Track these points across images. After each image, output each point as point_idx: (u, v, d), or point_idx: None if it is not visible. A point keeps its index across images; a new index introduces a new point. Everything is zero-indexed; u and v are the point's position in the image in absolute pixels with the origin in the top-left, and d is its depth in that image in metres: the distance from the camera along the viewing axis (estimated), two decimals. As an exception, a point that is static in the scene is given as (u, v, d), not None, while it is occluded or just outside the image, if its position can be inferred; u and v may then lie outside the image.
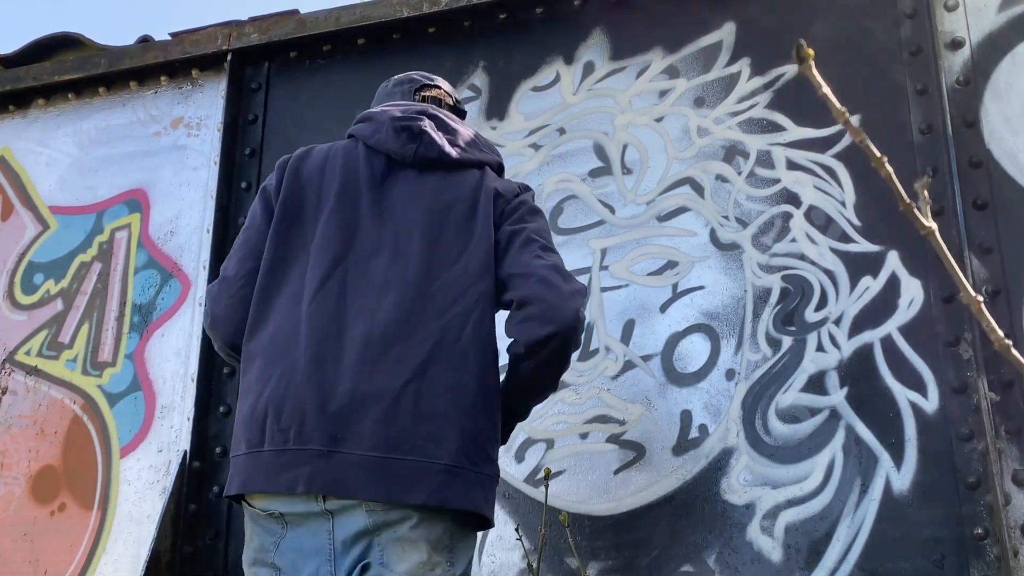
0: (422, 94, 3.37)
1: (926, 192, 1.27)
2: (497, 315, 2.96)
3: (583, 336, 3.06)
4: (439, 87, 3.42)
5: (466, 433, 2.74)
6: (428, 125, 3.11)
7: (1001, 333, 1.34)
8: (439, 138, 3.10)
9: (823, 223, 3.85)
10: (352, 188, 3.07)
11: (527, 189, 3.18)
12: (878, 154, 1.20)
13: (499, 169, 3.25)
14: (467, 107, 4.50)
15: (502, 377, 2.98)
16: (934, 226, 1.29)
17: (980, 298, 1.32)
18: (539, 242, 2.99)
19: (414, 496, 2.65)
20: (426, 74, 3.46)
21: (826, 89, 1.21)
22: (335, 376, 2.77)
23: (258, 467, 2.77)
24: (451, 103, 3.40)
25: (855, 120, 1.31)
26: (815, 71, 1.21)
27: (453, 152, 3.09)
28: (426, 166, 3.08)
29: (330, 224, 3.00)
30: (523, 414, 3.17)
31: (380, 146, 3.11)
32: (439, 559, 2.72)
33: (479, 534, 3.15)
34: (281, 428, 2.75)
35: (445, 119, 3.19)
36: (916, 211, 1.26)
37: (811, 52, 1.21)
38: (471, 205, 3.03)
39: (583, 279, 4.09)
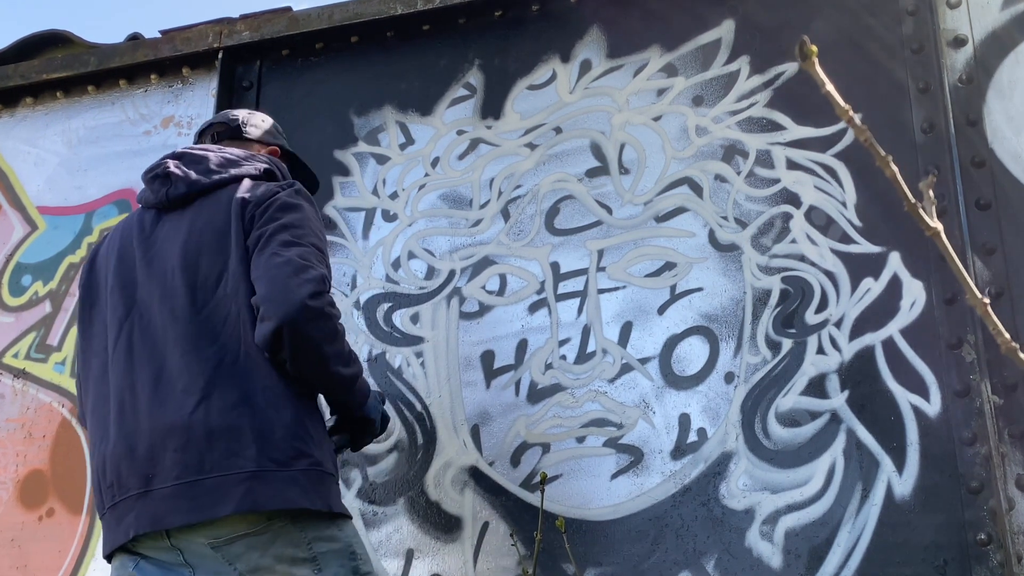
0: (202, 139, 3.57)
1: (931, 192, 1.26)
2: None
3: (333, 324, 3.04)
4: (214, 123, 3.60)
5: (263, 437, 2.85)
6: (173, 165, 3.24)
7: (1008, 335, 1.33)
8: (184, 172, 3.21)
9: (823, 224, 3.84)
10: (127, 251, 3.23)
11: (287, 187, 3.21)
12: (882, 152, 1.18)
13: (267, 175, 3.32)
14: (462, 105, 4.50)
15: None
16: (939, 226, 1.28)
17: (986, 300, 1.31)
18: (278, 239, 3.03)
19: (223, 508, 2.78)
20: (213, 116, 3.70)
21: (829, 86, 1.20)
22: (134, 423, 2.93)
23: (106, 528, 3.00)
24: (226, 128, 3.56)
25: (856, 119, 1.29)
26: (818, 68, 1.20)
27: (203, 179, 3.20)
28: (184, 203, 3.21)
29: (115, 291, 3.18)
30: (343, 407, 3.26)
31: (146, 202, 3.30)
32: (304, 572, 2.87)
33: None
34: (108, 486, 2.96)
35: (193, 151, 3.32)
36: (921, 211, 1.25)
37: (814, 49, 1.20)
38: (224, 221, 3.11)
39: (579, 280, 4.08)
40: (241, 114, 3.62)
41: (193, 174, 3.20)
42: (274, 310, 2.88)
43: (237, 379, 2.91)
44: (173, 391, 2.91)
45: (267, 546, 2.84)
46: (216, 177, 3.20)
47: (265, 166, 3.33)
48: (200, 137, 3.58)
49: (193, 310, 3.00)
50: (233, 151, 3.35)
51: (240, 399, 2.88)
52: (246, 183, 3.21)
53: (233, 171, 3.24)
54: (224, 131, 3.55)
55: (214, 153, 3.29)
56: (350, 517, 3.08)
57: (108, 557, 3.07)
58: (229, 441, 2.83)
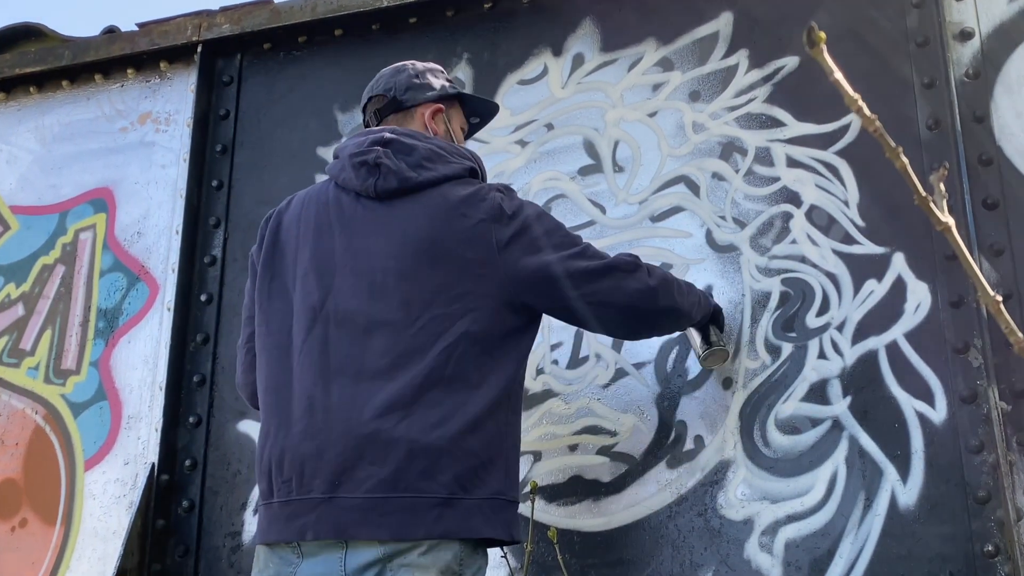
0: (372, 109, 3.49)
1: (942, 185, 1.24)
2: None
3: (661, 292, 3.27)
4: (378, 95, 3.49)
5: (457, 464, 2.88)
6: (384, 154, 3.17)
7: (1021, 334, 1.31)
8: (396, 164, 3.15)
9: (825, 224, 3.82)
10: (325, 232, 3.18)
11: (506, 191, 3.20)
12: (893, 144, 1.16)
13: (472, 174, 3.28)
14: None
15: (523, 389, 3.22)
16: (951, 221, 1.25)
17: (999, 297, 1.29)
18: (571, 266, 3.12)
19: (414, 532, 2.81)
20: (374, 85, 3.54)
21: (838, 74, 1.17)
22: (326, 424, 2.93)
23: (272, 518, 2.98)
24: (383, 105, 3.47)
25: (865, 108, 1.27)
26: (827, 56, 1.17)
27: (414, 175, 3.14)
28: (391, 196, 3.15)
29: (308, 273, 3.14)
30: (697, 321, 3.60)
31: (347, 184, 3.21)
32: None
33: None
34: (284, 480, 2.97)
35: (402, 140, 3.22)
36: (932, 205, 1.22)
37: (823, 35, 1.18)
38: (443, 229, 3.07)
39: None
40: (395, 83, 3.49)
41: (405, 168, 3.14)
42: (632, 317, 3.26)
43: (438, 400, 2.92)
44: (374, 401, 2.91)
45: (429, 549, 2.85)
46: (426, 176, 3.14)
47: (472, 166, 3.28)
48: (364, 110, 3.52)
49: (406, 321, 2.98)
50: (439, 143, 3.28)
51: (439, 421, 2.89)
52: (459, 188, 3.15)
53: (443, 169, 3.18)
54: (384, 107, 3.46)
55: (422, 143, 3.22)
56: (519, 542, 3.14)
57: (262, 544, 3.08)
58: (427, 462, 2.85)
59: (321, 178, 4.46)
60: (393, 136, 3.22)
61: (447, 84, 3.56)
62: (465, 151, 3.34)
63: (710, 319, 3.65)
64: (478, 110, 3.70)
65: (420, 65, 3.55)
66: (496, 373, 3.02)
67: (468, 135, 3.70)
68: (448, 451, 2.86)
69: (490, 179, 4.21)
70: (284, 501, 2.94)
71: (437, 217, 3.07)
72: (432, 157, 3.20)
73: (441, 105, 3.49)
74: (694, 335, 3.68)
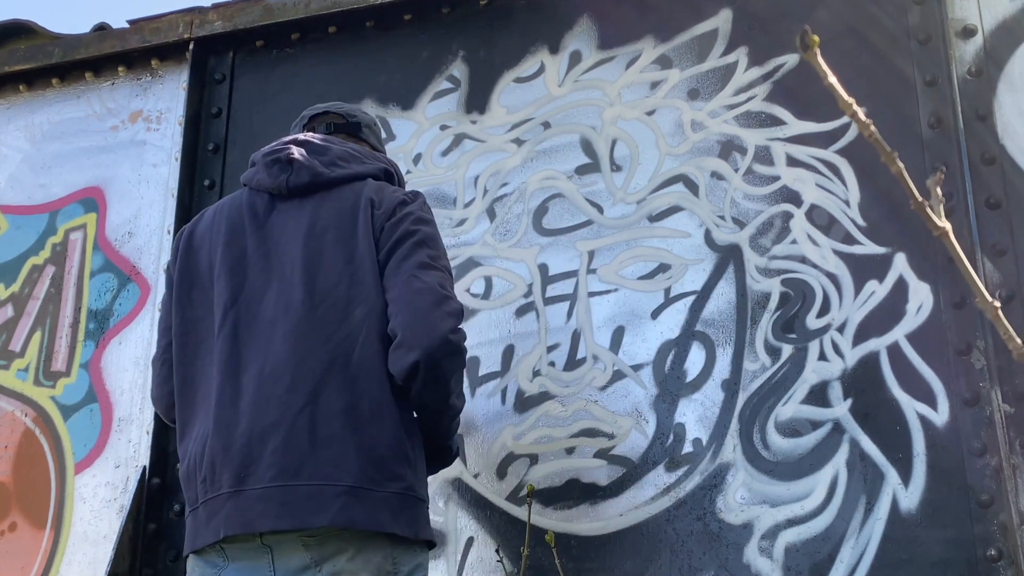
0: (312, 124, 3.55)
1: (939, 189, 1.23)
2: None
3: (464, 358, 3.12)
4: (329, 112, 3.59)
5: (365, 453, 2.89)
6: (296, 152, 3.24)
7: (1020, 340, 1.31)
8: (309, 161, 3.22)
9: (825, 223, 3.82)
10: (238, 235, 3.23)
11: (416, 197, 3.26)
12: (888, 148, 1.16)
13: (387, 177, 3.35)
14: (445, 99, 4.48)
15: None
16: (948, 226, 1.25)
17: (996, 303, 1.28)
18: (415, 258, 3.10)
19: (318, 519, 2.81)
20: (325, 105, 3.63)
21: (832, 78, 1.17)
22: (235, 418, 2.95)
23: (196, 524, 2.99)
24: (344, 123, 3.55)
25: (860, 113, 1.28)
26: (820, 59, 1.17)
27: (326, 171, 3.21)
28: (304, 193, 3.22)
29: (221, 275, 3.18)
30: (436, 436, 3.26)
31: (260, 185, 3.28)
32: None
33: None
34: (201, 481, 2.97)
35: (316, 141, 3.31)
36: (928, 209, 1.22)
37: (816, 39, 1.18)
38: (350, 221, 3.14)
39: (569, 283, 4.07)
40: (360, 115, 3.61)
41: (318, 164, 3.21)
42: (416, 342, 2.97)
43: (346, 385, 2.94)
44: (277, 389, 2.93)
45: (356, 553, 2.86)
46: (339, 172, 3.22)
47: (386, 168, 3.36)
48: (311, 121, 3.57)
49: (309, 307, 3.02)
50: (355, 147, 3.37)
51: (347, 407, 2.91)
52: (371, 184, 3.24)
53: (356, 167, 3.26)
54: (341, 125, 3.54)
55: (337, 146, 3.30)
56: (434, 544, 3.13)
57: (188, 554, 3.09)
58: (332, 451, 2.86)
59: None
60: (307, 138, 3.31)
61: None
62: (383, 157, 3.43)
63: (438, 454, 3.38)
64: None
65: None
66: None
67: None
68: (352, 440, 2.87)
69: (487, 178, 4.23)
70: (204, 502, 2.95)
71: (344, 210, 3.14)
72: (346, 157, 3.28)
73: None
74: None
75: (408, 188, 3.45)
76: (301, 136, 3.34)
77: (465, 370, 3.24)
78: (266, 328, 3.03)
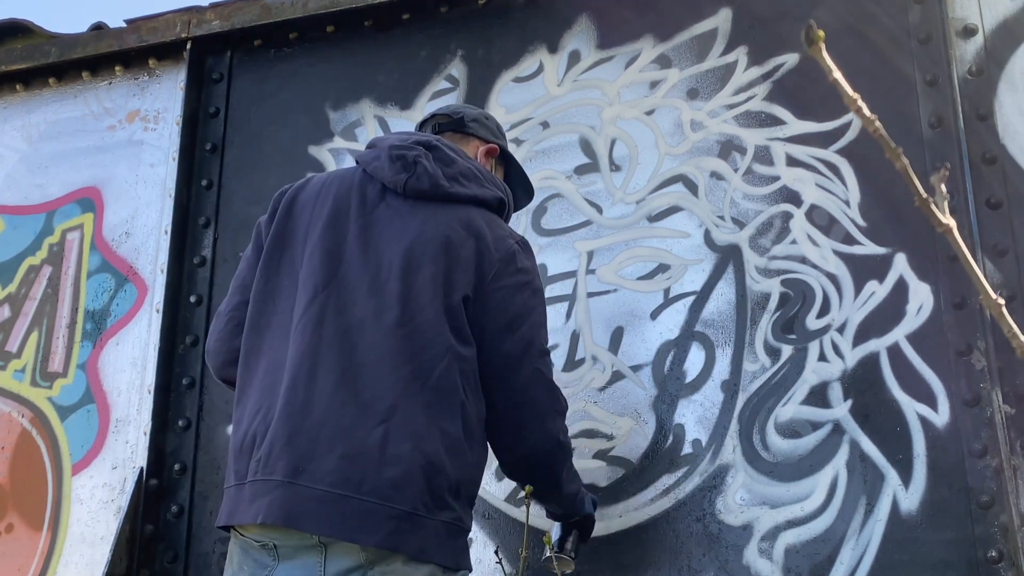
0: (433, 122, 3.56)
1: (943, 186, 1.23)
2: None
3: (570, 451, 3.30)
4: (436, 114, 3.59)
5: (428, 480, 2.87)
6: (423, 155, 3.19)
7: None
8: (433, 168, 3.17)
9: (826, 224, 3.82)
10: (342, 215, 3.18)
11: (524, 246, 3.23)
12: (893, 144, 1.15)
13: (500, 206, 3.32)
14: (444, 99, 4.47)
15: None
16: (952, 223, 1.25)
17: (1001, 301, 1.28)
18: (537, 346, 3.16)
19: (367, 538, 2.79)
20: (435, 108, 3.72)
21: (837, 73, 1.17)
22: (304, 410, 2.91)
23: (240, 500, 2.94)
24: (448, 120, 3.54)
25: (865, 108, 1.26)
26: (826, 54, 1.17)
27: (446, 185, 3.16)
28: (418, 197, 3.16)
29: (316, 252, 3.13)
30: (562, 507, 3.47)
31: (376, 173, 3.21)
32: None
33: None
34: (256, 459, 2.91)
35: (445, 149, 3.26)
36: (933, 206, 1.22)
37: (822, 33, 1.18)
38: (455, 244, 3.09)
39: (568, 283, 4.06)
40: (465, 109, 3.60)
41: (440, 176, 3.16)
42: (530, 441, 3.15)
43: (419, 410, 2.91)
44: (357, 396, 2.90)
45: (408, 560, 2.85)
46: (459, 191, 3.18)
47: (501, 197, 3.32)
48: (422, 127, 3.57)
49: (401, 320, 2.98)
50: (478, 166, 3.33)
51: (419, 432, 2.89)
52: (485, 214, 3.21)
53: (476, 190, 3.22)
54: (447, 123, 3.53)
55: (463, 160, 3.27)
56: (470, 570, 3.11)
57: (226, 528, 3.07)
58: (396, 472, 2.83)
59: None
60: (438, 144, 3.26)
61: (508, 144, 3.69)
62: (501, 183, 3.39)
63: (578, 525, 3.54)
64: (516, 183, 3.71)
65: (495, 118, 3.69)
66: (478, 396, 3.06)
67: None
68: (422, 466, 2.85)
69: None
70: (251, 481, 2.92)
71: (455, 231, 3.09)
72: (469, 175, 3.24)
73: (497, 148, 3.56)
74: (555, 529, 3.56)
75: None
76: (433, 139, 3.28)
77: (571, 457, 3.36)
78: (355, 326, 2.99)
